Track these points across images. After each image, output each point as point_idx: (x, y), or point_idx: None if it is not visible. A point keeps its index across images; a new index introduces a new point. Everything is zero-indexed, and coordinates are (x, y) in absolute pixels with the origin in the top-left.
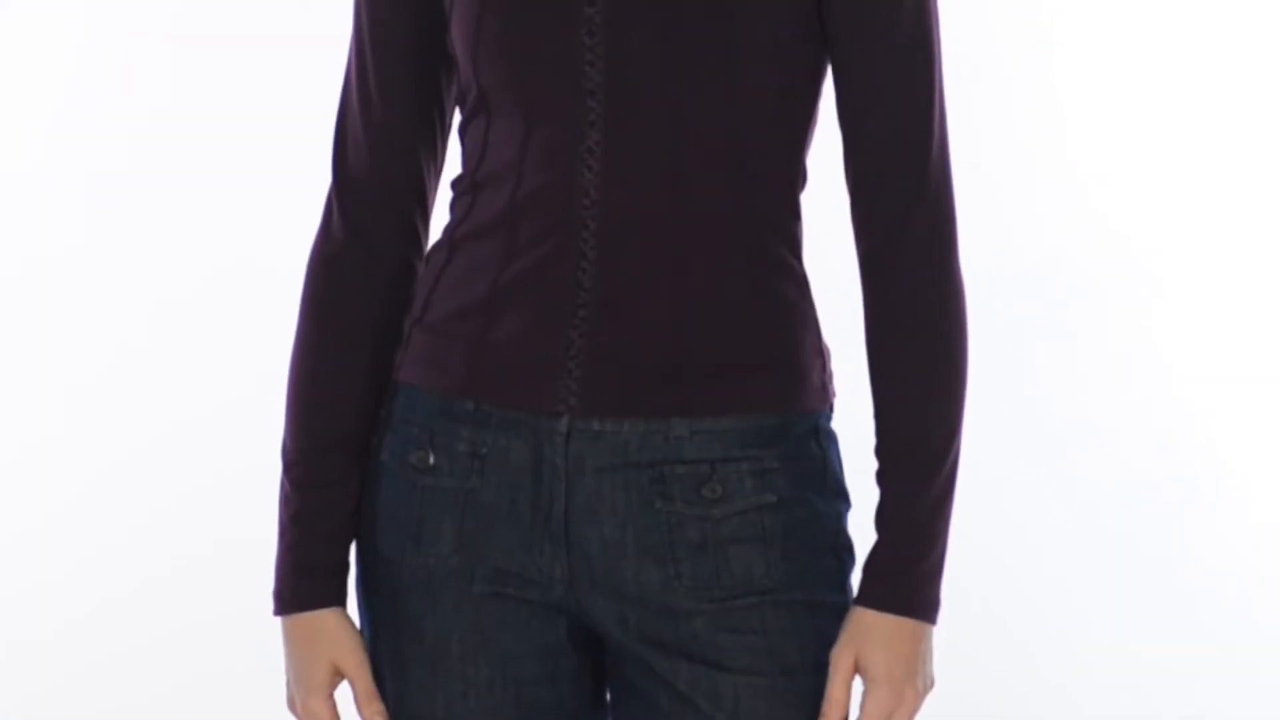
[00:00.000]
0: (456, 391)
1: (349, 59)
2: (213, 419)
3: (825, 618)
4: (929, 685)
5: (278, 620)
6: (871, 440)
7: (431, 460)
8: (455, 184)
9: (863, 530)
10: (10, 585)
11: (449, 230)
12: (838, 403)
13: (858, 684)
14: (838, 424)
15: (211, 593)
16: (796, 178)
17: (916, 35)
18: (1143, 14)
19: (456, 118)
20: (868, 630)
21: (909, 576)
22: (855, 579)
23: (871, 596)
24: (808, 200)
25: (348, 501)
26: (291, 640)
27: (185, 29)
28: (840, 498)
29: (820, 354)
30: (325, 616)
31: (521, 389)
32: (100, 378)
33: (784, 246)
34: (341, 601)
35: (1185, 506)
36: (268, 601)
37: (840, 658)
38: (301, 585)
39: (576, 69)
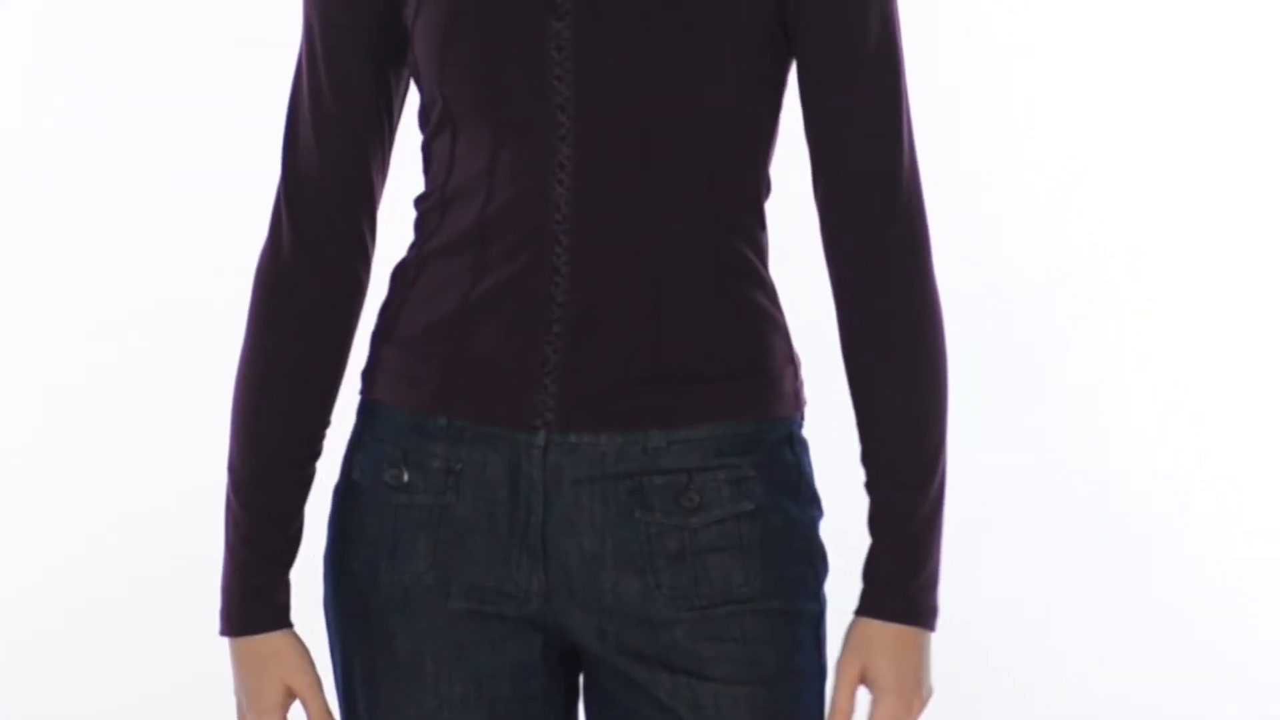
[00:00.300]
0: (428, 408)
1: (299, 61)
2: (212, 418)
3: (802, 626)
4: (930, 692)
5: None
6: (844, 446)
7: (405, 478)
8: (420, 200)
9: (835, 538)
10: (8, 585)
11: (416, 246)
12: (810, 409)
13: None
14: (812, 430)
15: (206, 595)
16: (762, 187)
17: (884, 50)
18: (1107, 26)
19: (414, 133)
20: (874, 640)
21: (911, 586)
22: (830, 585)
23: (876, 606)
24: (774, 210)
25: (296, 521)
26: (243, 662)
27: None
28: (814, 504)
29: (791, 361)
30: (277, 638)
31: (497, 404)
32: (96, 376)
33: (753, 255)
34: (290, 621)
35: (1148, 520)
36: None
37: (846, 668)
38: (255, 607)
39: (545, 84)
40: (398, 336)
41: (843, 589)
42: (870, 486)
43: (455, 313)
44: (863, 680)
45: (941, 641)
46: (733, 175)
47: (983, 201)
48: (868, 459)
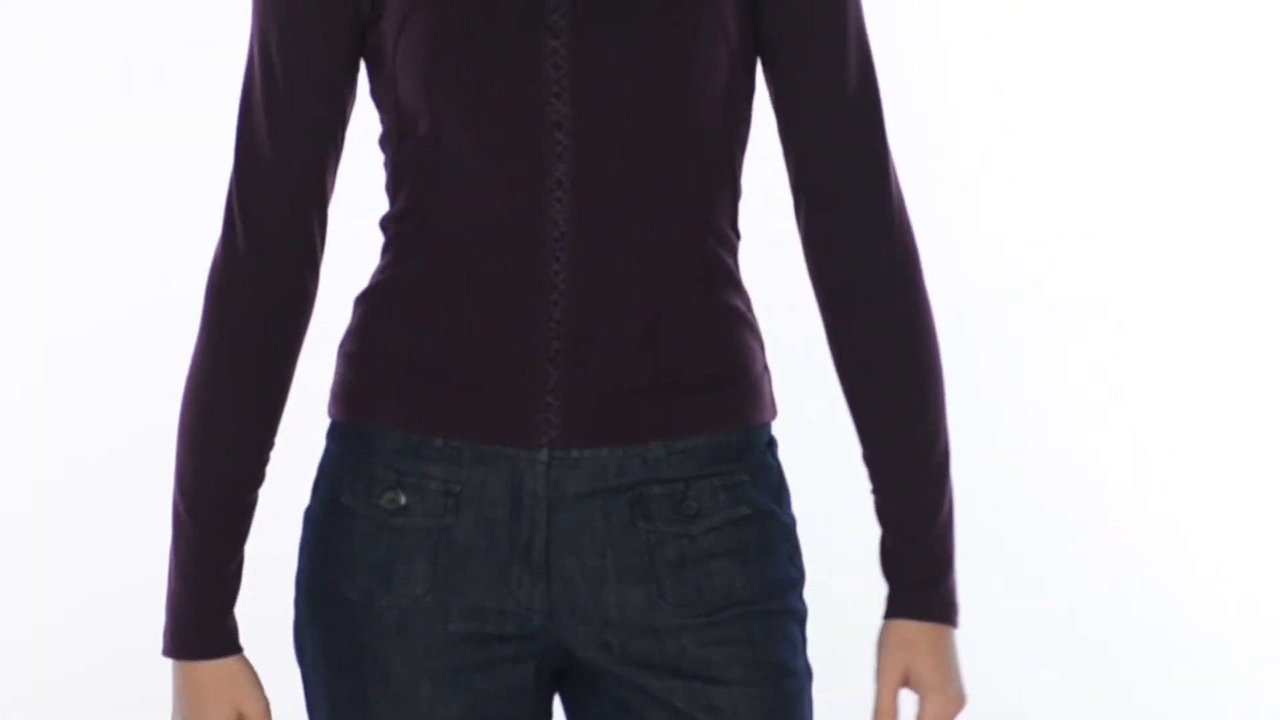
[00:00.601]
0: (422, 429)
1: (251, 68)
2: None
3: (794, 625)
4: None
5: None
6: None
7: (403, 501)
8: (394, 220)
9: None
10: (6, 584)
11: (392, 266)
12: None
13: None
14: (798, 434)
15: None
16: (738, 195)
17: (860, 58)
18: (1055, 45)
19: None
20: (915, 641)
21: (943, 585)
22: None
23: (913, 608)
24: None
25: (243, 541)
26: (191, 686)
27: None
28: (790, 507)
29: (766, 367)
30: (231, 663)
31: (498, 423)
32: (88, 376)
33: (731, 261)
34: (241, 645)
35: (1100, 542)
36: (261, 607)
37: (890, 670)
38: (211, 631)
39: (542, 101)
40: (380, 357)
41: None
42: (886, 490)
43: (447, 332)
44: (904, 682)
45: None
46: (715, 184)
47: (935, 217)
48: (883, 463)
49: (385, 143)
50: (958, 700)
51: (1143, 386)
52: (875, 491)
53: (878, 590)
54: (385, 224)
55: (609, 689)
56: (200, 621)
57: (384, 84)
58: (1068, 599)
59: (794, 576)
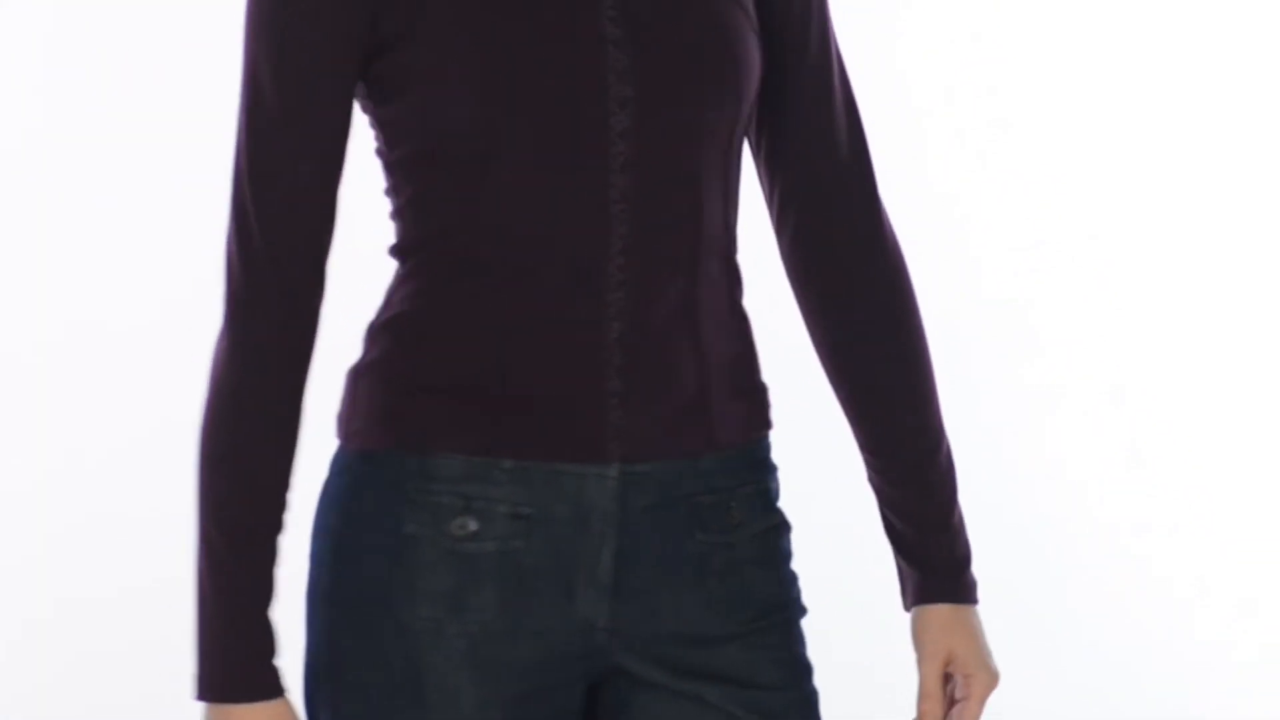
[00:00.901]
0: (490, 452)
1: (255, 91)
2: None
3: (801, 627)
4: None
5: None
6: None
7: (473, 526)
8: (426, 243)
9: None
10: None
11: (425, 289)
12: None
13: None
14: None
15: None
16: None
17: (839, 66)
18: (1013, 63)
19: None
20: (956, 624)
21: (969, 568)
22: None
23: (948, 592)
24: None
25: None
26: None
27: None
28: None
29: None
30: (281, 705)
31: (569, 441)
32: (87, 375)
33: (738, 269)
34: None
35: (1065, 563)
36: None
37: (936, 655)
38: (264, 671)
39: (607, 112)
40: (428, 382)
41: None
42: (905, 483)
43: (505, 353)
44: (947, 665)
45: (865, 640)
46: (737, 187)
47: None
48: (899, 459)
49: (403, 169)
50: (996, 676)
51: (1115, 391)
52: (890, 485)
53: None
54: (406, 250)
55: (657, 702)
56: (252, 661)
57: (406, 110)
58: (1042, 601)
59: (796, 579)
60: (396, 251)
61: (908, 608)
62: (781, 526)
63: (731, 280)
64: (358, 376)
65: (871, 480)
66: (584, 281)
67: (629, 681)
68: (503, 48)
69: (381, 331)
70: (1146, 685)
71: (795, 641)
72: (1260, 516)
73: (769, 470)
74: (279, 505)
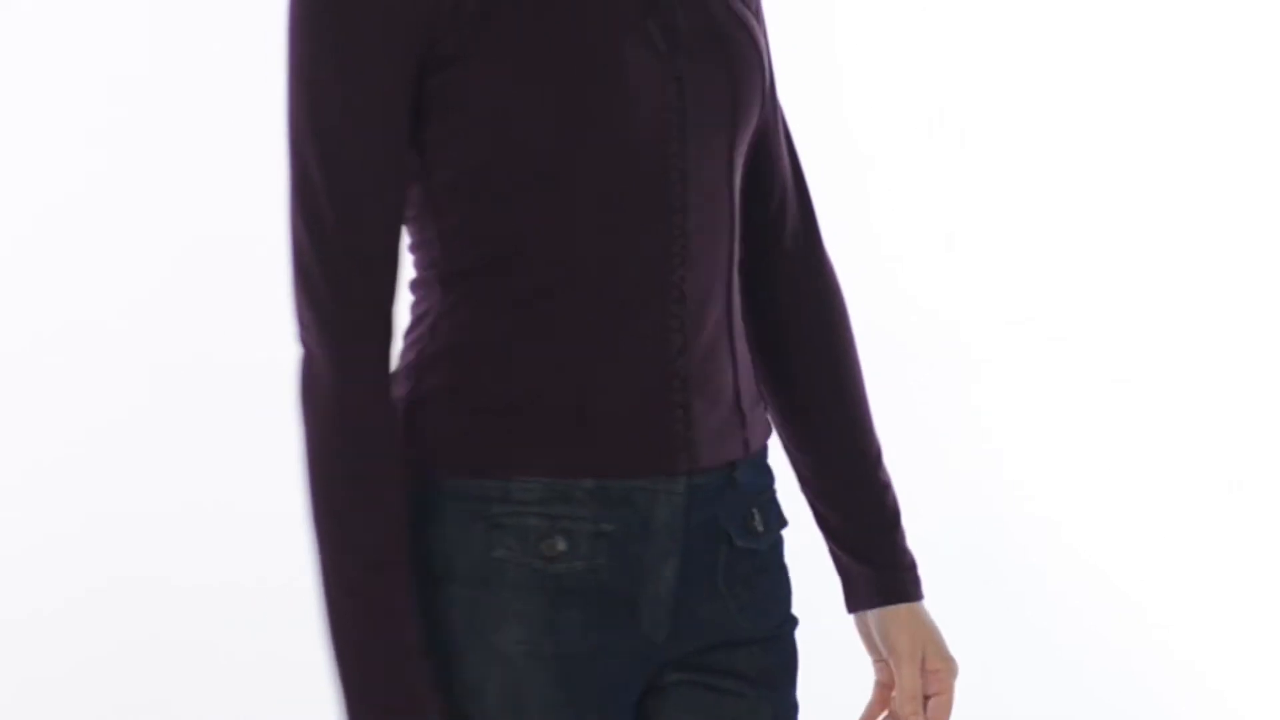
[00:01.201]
0: (568, 473)
1: (307, 144)
2: (213, 419)
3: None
4: None
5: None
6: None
7: (562, 547)
8: (476, 271)
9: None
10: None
11: (485, 310)
12: None
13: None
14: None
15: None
16: None
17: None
18: (952, 80)
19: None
20: (920, 621)
21: (916, 566)
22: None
23: (911, 591)
24: None
25: None
26: None
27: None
28: None
29: None
30: None
31: (644, 457)
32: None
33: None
34: None
35: (1008, 576)
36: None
37: (914, 655)
38: (432, 704)
39: (669, 129)
40: (499, 407)
41: None
42: (859, 486)
43: (576, 372)
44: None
45: (809, 646)
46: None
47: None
48: (851, 464)
49: (448, 193)
50: (957, 665)
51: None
52: (843, 488)
53: None
54: (450, 277)
55: (692, 705)
56: (419, 707)
57: (459, 129)
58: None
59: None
60: (436, 279)
61: (861, 609)
62: (782, 534)
63: (738, 295)
64: (421, 405)
65: (813, 485)
66: (650, 296)
67: (660, 689)
68: (570, 64)
69: (439, 360)
70: (1102, 693)
71: (795, 645)
72: (1210, 524)
73: (773, 475)
74: (403, 530)
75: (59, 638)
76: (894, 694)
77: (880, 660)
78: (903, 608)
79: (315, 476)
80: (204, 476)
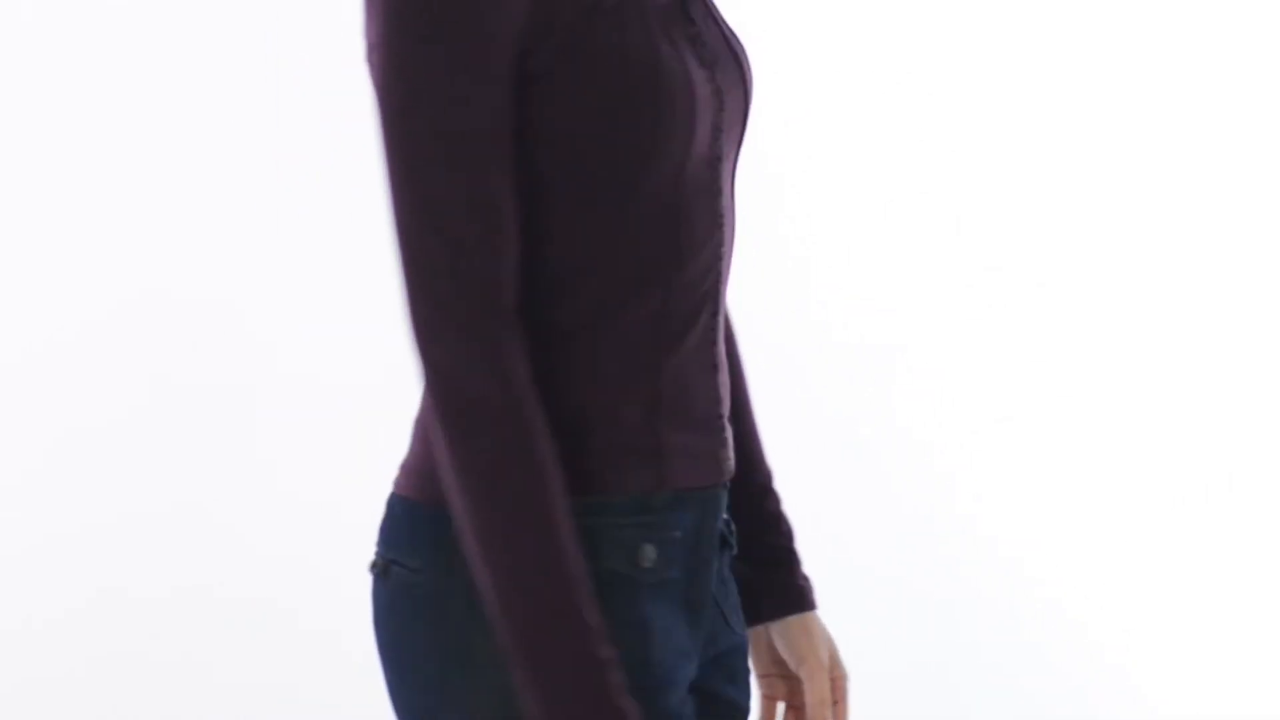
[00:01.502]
0: (650, 485)
1: (434, 165)
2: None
3: None
4: None
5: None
6: None
7: (654, 556)
8: (574, 273)
9: None
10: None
11: (560, 328)
12: None
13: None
14: None
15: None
16: None
17: None
18: (864, 96)
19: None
20: (822, 630)
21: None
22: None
23: (812, 600)
24: None
25: None
26: None
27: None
28: None
29: None
30: None
31: (707, 464)
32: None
33: None
34: None
35: (939, 582)
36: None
37: (823, 663)
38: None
39: (717, 130)
40: (582, 425)
41: None
42: (768, 496)
43: (655, 385)
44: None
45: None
46: None
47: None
48: (763, 471)
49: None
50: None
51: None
52: (747, 500)
53: None
54: (568, 278)
55: (699, 706)
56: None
57: (557, 137)
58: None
59: None
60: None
61: (764, 620)
62: None
63: None
64: None
65: None
66: (704, 303)
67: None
68: (653, 85)
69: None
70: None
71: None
72: (1146, 531)
73: None
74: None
75: (56, 642)
76: (806, 701)
77: (771, 675)
78: (808, 615)
79: (499, 498)
80: (204, 479)
